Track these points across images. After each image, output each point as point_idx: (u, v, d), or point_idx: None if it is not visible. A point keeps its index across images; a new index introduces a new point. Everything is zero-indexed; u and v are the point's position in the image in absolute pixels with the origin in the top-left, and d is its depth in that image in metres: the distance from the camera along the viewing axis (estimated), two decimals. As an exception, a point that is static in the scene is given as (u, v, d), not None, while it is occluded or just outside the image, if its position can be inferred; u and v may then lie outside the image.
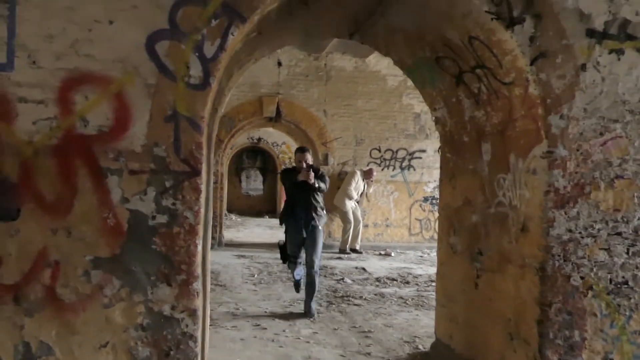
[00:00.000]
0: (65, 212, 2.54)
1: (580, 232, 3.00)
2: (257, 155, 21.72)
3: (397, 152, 11.17)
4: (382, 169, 11.07)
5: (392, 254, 10.47)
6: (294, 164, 6.09)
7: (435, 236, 11.39)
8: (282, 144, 18.85)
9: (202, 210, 2.72)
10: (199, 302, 2.69)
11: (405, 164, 11.21)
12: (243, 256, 9.94)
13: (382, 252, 10.58)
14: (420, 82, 4.31)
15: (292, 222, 5.66)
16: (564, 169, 2.98)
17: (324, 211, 5.82)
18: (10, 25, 2.54)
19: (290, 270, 6.05)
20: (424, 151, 11.26)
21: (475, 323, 3.72)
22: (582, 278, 3.01)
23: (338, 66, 11.05)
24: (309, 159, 5.65)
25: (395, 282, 7.85)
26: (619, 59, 3.00)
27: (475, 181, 3.81)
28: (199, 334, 2.70)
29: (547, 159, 2.99)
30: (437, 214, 11.32)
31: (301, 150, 5.78)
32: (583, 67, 2.98)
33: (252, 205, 21.49)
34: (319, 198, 5.72)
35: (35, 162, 2.54)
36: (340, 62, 11.04)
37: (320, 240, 5.67)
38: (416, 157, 11.25)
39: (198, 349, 2.71)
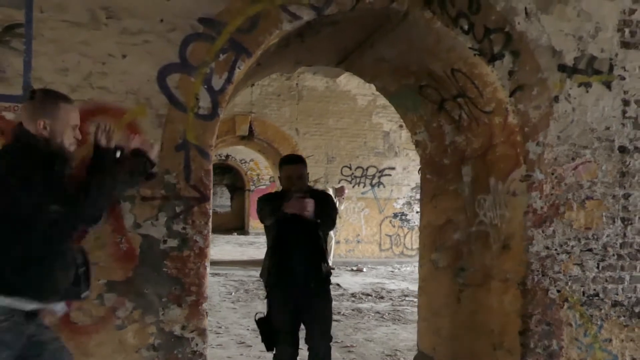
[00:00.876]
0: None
1: (556, 249, 3.28)
2: (224, 173, 21.70)
3: (367, 169, 11.46)
4: (353, 186, 11.33)
5: (364, 270, 10.70)
6: (275, 188, 4.40)
7: (405, 251, 11.79)
8: (250, 161, 18.94)
9: (210, 234, 2.86)
10: (207, 322, 2.82)
11: (375, 181, 11.50)
12: (217, 274, 9.97)
13: (354, 268, 10.79)
14: (402, 108, 4.56)
15: (283, 285, 3.37)
16: (541, 191, 3.26)
17: (330, 260, 3.80)
18: (27, 59, 2.64)
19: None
20: (393, 168, 11.58)
21: (459, 336, 3.95)
22: (558, 291, 3.28)
23: (309, 86, 11.30)
24: (305, 175, 3.46)
25: (370, 297, 8.05)
26: (587, 91, 3.32)
27: (456, 201, 4.06)
28: (207, 353, 2.82)
29: (526, 182, 3.26)
30: (406, 230, 11.71)
31: (292, 161, 3.52)
32: (556, 98, 3.28)
33: (220, 222, 21.38)
34: (324, 239, 3.52)
35: (51, 190, 2.63)
36: (312, 82, 11.29)
37: (331, 310, 3.55)
38: (386, 175, 11.56)
39: (206, 367, 2.83)
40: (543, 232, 3.26)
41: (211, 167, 2.86)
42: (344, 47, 3.93)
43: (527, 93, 3.24)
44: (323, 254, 3.47)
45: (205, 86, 2.81)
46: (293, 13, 2.92)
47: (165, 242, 2.76)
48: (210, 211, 2.84)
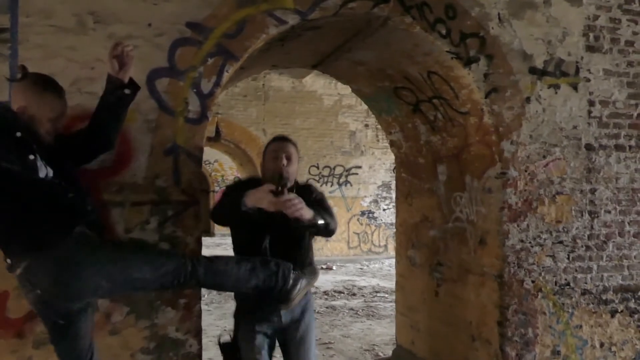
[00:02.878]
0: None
1: (530, 242, 3.46)
2: (187, 174, 21.39)
3: (334, 168, 11.59)
4: (321, 185, 11.42)
5: (334, 268, 10.81)
6: (248, 177, 3.67)
7: (373, 249, 11.98)
8: (214, 162, 18.77)
9: (201, 236, 2.89)
10: (201, 323, 2.85)
11: (342, 180, 11.65)
12: (187, 277, 9.88)
13: (324, 267, 10.89)
14: (377, 109, 4.68)
15: (252, 302, 2.62)
16: (515, 187, 3.43)
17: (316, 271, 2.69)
18: (12, 64, 2.61)
19: None
20: (359, 167, 11.75)
21: (437, 329, 4.10)
22: (533, 282, 3.46)
23: (276, 86, 11.33)
24: (294, 160, 2.71)
25: (342, 294, 8.17)
26: (556, 93, 3.51)
27: (431, 199, 4.21)
28: (202, 353, 2.85)
29: (501, 179, 3.42)
30: (373, 227, 11.90)
31: (282, 139, 2.78)
32: (528, 99, 3.45)
33: (184, 224, 21.13)
34: (311, 250, 2.80)
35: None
36: (278, 83, 11.33)
37: (314, 336, 2.77)
38: (353, 173, 11.71)
39: (200, 368, 2.86)
40: (518, 226, 3.43)
41: (200, 171, 2.89)
42: (322, 50, 4.01)
43: (501, 95, 3.40)
44: (305, 267, 2.60)
45: (194, 90, 2.84)
46: (279, 18, 2.98)
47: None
48: (201, 214, 2.86)
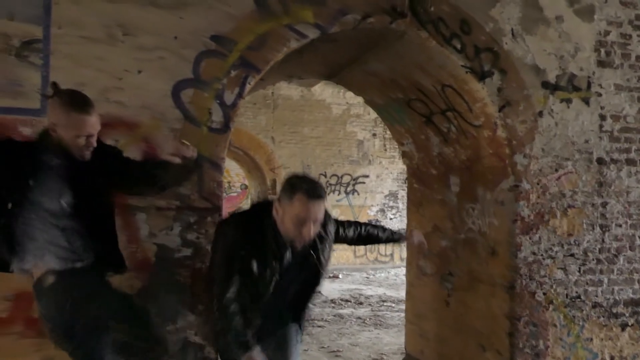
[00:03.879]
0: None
1: (542, 254, 3.51)
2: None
3: (342, 177, 11.66)
4: (328, 194, 11.49)
5: (340, 276, 10.85)
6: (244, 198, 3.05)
7: (379, 257, 12.01)
8: (221, 169, 18.88)
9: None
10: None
11: (349, 188, 11.71)
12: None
13: (331, 275, 10.93)
14: (389, 120, 4.75)
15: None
16: (527, 200, 3.49)
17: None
18: (44, 74, 2.70)
19: None
20: (367, 176, 11.82)
21: (447, 338, 4.14)
22: (544, 294, 3.51)
23: (285, 94, 11.43)
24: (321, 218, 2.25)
25: (349, 303, 8.21)
26: (568, 107, 3.58)
27: (443, 209, 4.27)
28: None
29: (514, 192, 3.49)
30: (380, 236, 11.93)
31: (314, 198, 2.18)
32: (540, 113, 3.52)
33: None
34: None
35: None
36: (287, 91, 11.43)
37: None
38: (360, 182, 11.78)
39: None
40: (530, 238, 3.49)
41: (222, 179, 2.97)
42: (337, 62, 4.09)
43: (515, 108, 3.47)
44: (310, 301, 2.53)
45: (218, 101, 2.92)
46: (299, 32, 3.07)
47: (179, 251, 2.84)
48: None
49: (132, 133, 2.80)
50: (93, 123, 2.30)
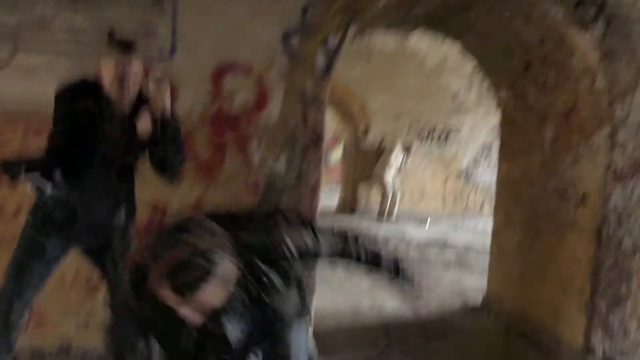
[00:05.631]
0: (217, 170, 3.14)
1: (633, 204, 3.53)
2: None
3: (434, 128, 11.63)
4: (420, 144, 11.57)
5: (428, 223, 11.04)
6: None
7: (468, 208, 11.99)
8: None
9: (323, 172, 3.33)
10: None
11: (442, 139, 11.68)
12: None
13: (418, 221, 11.16)
14: (486, 67, 4.79)
15: None
16: (623, 151, 3.50)
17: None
18: (174, 20, 3.10)
19: None
20: (460, 128, 11.70)
21: (528, 280, 4.30)
22: (632, 242, 3.55)
23: (379, 46, 11.41)
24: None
25: (435, 247, 8.44)
26: (674, 59, 3.47)
27: (534, 157, 4.33)
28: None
29: (610, 141, 3.50)
30: (469, 188, 11.90)
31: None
32: (644, 63, 3.45)
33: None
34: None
35: (194, 132, 3.14)
36: (381, 42, 11.39)
37: None
38: (454, 132, 11.70)
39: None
40: (622, 188, 3.51)
41: (324, 113, 3.29)
42: (438, 11, 4.18)
43: (617, 58, 3.43)
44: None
45: (322, 47, 3.20)
46: (400, -19, 3.23)
47: (285, 177, 3.23)
48: (323, 150, 3.29)
49: (246, 75, 3.16)
50: (137, 62, 2.37)
